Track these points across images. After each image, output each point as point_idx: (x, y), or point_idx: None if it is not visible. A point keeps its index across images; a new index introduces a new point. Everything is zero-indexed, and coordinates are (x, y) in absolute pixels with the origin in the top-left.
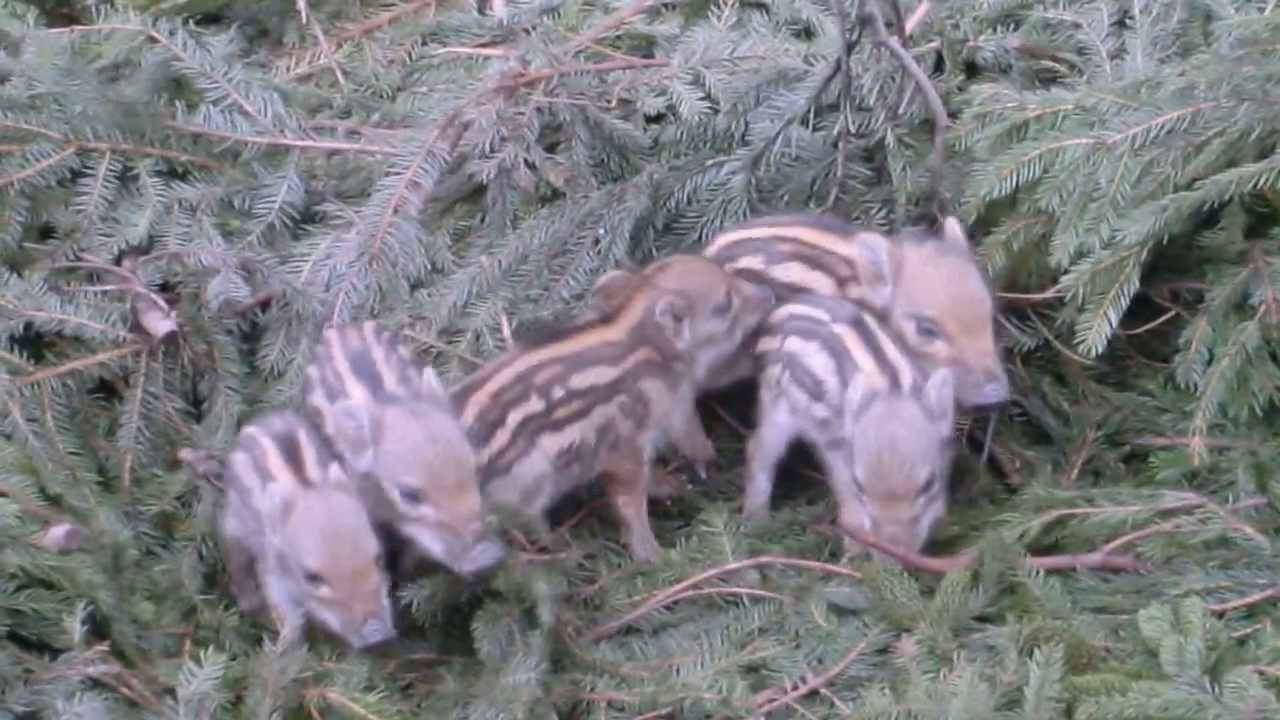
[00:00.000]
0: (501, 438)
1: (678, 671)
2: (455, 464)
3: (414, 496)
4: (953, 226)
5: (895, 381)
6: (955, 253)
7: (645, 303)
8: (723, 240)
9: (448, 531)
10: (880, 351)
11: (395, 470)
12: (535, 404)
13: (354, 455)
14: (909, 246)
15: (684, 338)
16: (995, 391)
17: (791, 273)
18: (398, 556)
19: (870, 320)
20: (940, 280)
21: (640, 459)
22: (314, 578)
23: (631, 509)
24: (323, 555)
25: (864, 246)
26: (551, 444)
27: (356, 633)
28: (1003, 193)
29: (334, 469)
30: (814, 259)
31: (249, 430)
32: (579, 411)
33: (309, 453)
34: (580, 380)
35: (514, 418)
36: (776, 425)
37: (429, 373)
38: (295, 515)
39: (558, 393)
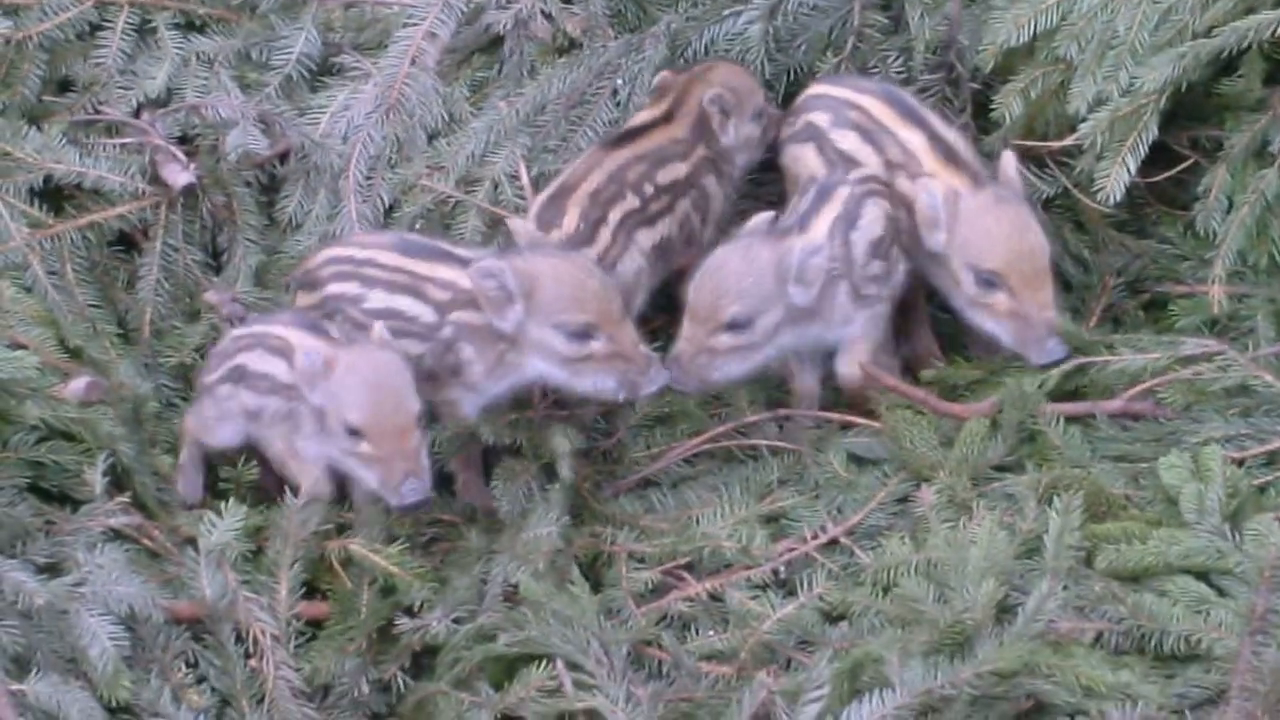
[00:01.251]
0: (605, 235)
1: (697, 522)
2: (617, 295)
3: (584, 334)
4: (1008, 161)
5: (789, 230)
6: (1014, 199)
7: (699, 97)
8: (809, 90)
9: (621, 360)
10: (818, 210)
11: (559, 312)
12: (632, 201)
13: (499, 316)
14: (966, 190)
15: (728, 134)
16: (1057, 349)
17: (847, 141)
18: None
19: (868, 198)
20: (1002, 231)
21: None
22: (355, 433)
23: None
24: (366, 410)
25: (922, 191)
26: (647, 238)
27: (395, 491)
28: (1020, 40)
29: (378, 327)
30: (871, 134)
31: (250, 330)
32: (666, 207)
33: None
34: (664, 176)
35: (614, 215)
36: None
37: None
38: (338, 370)
39: (648, 189)
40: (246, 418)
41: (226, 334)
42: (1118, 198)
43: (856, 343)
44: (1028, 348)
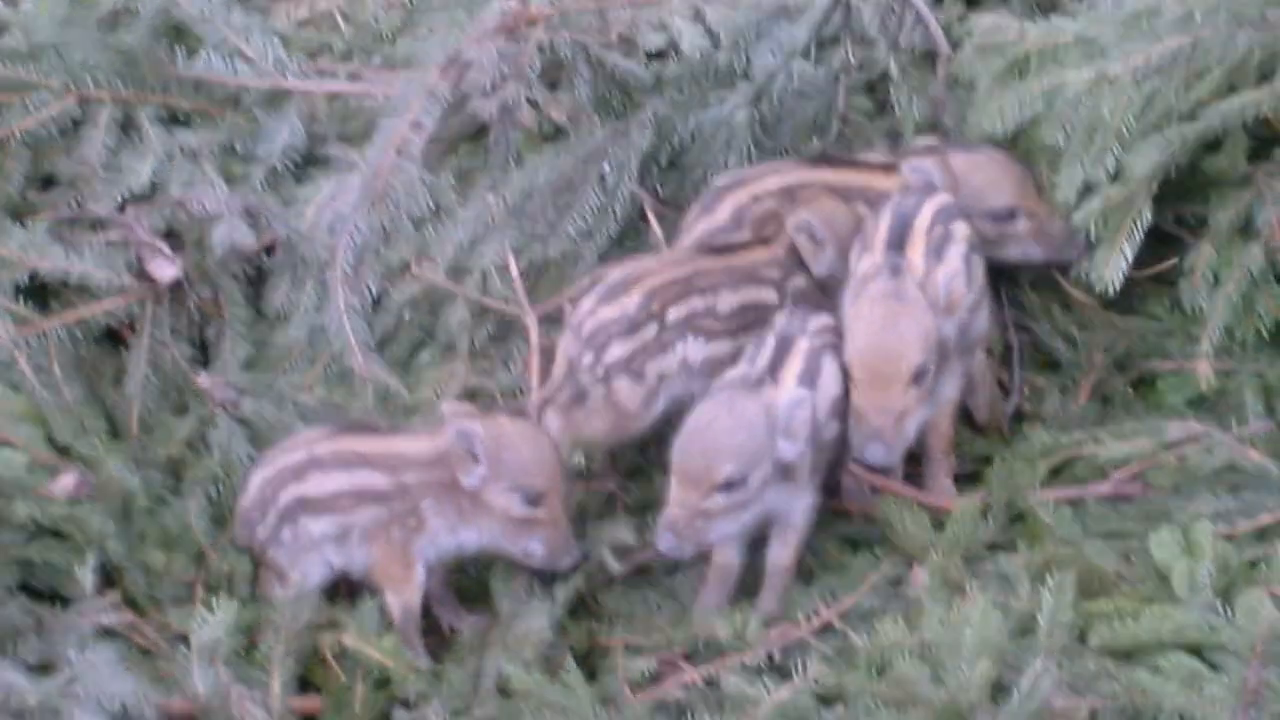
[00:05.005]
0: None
1: (691, 610)
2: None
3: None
4: (947, 270)
5: (762, 381)
6: (904, 299)
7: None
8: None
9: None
10: (782, 363)
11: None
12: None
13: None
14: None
15: None
16: (875, 453)
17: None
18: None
19: (825, 353)
20: (863, 326)
21: None
22: (537, 499)
23: None
24: (546, 474)
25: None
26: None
27: (567, 551)
28: (1004, 131)
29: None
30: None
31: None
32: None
33: None
34: None
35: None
36: None
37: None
38: (507, 442)
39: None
40: (331, 544)
41: (249, 486)
42: (1116, 287)
43: (795, 533)
44: (853, 442)
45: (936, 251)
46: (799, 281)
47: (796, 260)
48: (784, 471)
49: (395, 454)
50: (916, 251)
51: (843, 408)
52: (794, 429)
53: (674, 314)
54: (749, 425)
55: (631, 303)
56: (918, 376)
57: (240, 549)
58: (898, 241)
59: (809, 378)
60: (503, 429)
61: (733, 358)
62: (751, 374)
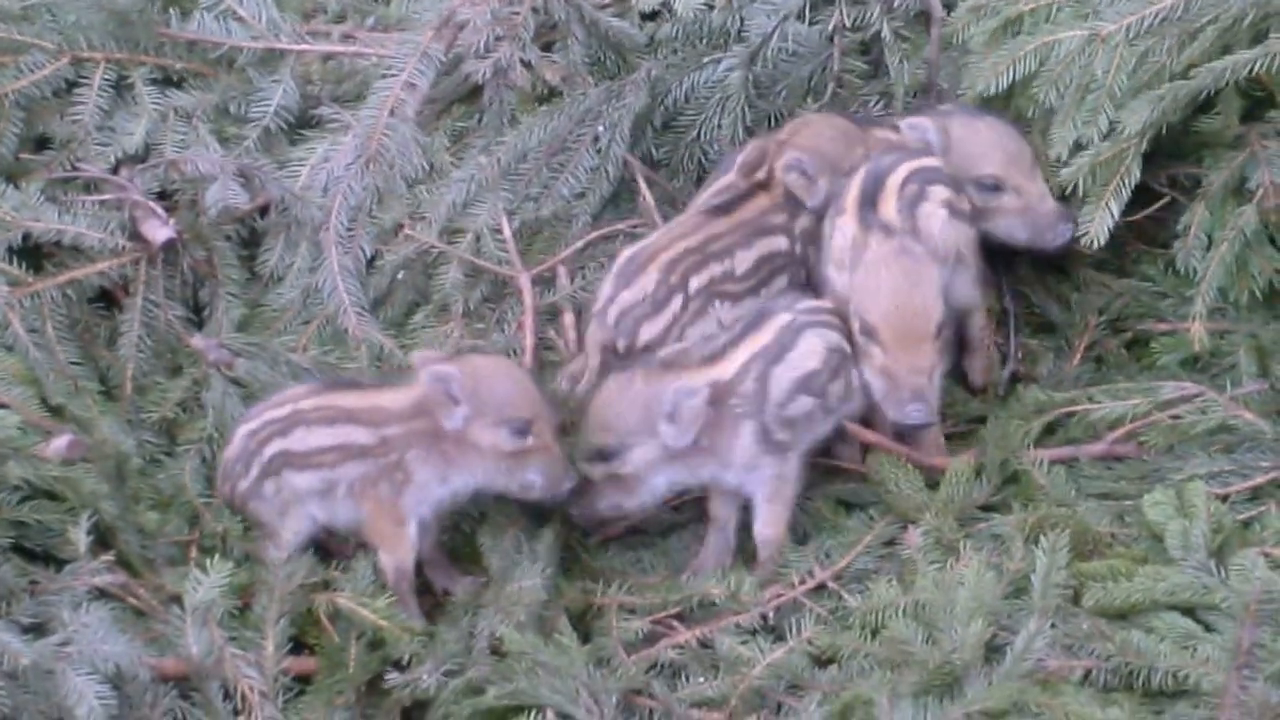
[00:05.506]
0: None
1: (689, 577)
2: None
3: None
4: (932, 217)
5: (711, 357)
6: (920, 256)
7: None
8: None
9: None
10: (744, 339)
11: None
12: None
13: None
14: (875, 238)
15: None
16: (916, 413)
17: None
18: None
19: (809, 329)
20: (888, 285)
21: None
22: (525, 428)
23: None
24: (532, 402)
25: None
26: None
27: (565, 476)
28: (999, 89)
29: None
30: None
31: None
32: None
33: None
34: None
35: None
36: None
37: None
38: (486, 378)
39: None
40: (315, 499)
41: (234, 438)
42: (1102, 242)
43: (770, 505)
44: (888, 405)
45: (909, 208)
46: (805, 221)
47: (796, 199)
48: (695, 453)
49: (377, 408)
50: (889, 207)
51: (820, 384)
52: (681, 417)
53: (695, 283)
54: (630, 403)
55: (650, 280)
56: (940, 329)
57: (225, 502)
58: (869, 199)
59: (776, 351)
60: (477, 366)
61: None
62: (698, 350)
